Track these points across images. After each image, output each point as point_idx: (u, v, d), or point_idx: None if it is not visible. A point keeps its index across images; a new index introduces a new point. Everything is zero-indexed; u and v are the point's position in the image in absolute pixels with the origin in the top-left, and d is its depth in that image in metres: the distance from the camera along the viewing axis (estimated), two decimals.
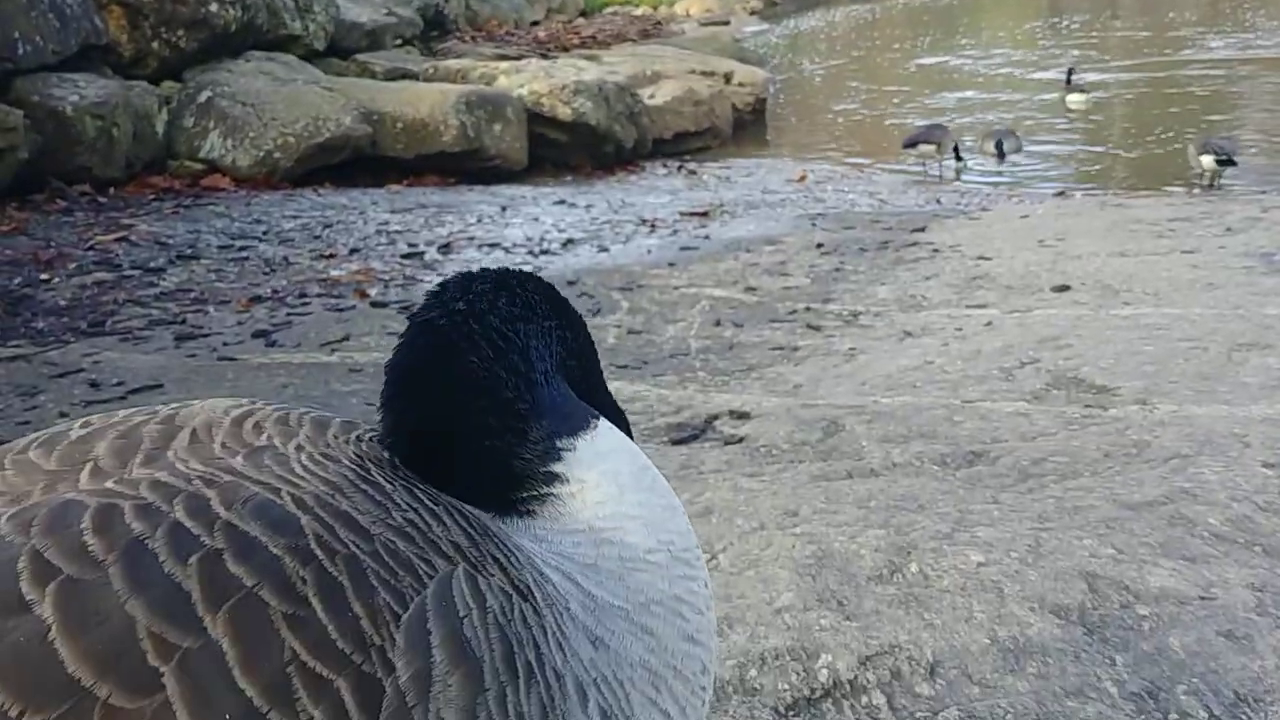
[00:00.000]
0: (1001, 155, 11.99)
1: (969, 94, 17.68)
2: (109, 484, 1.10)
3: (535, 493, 1.31)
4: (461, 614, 1.09)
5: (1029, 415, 3.96)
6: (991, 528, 2.90)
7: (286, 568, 1.02)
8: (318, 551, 1.05)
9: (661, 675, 1.27)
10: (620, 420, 1.54)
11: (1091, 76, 16.92)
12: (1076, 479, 3.29)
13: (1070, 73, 15.83)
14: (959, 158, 11.85)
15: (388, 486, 1.17)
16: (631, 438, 1.55)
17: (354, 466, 1.21)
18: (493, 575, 1.15)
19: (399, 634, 1.04)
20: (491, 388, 1.34)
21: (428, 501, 1.18)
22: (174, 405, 1.31)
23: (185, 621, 0.96)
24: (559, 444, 1.33)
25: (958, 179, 11.72)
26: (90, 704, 0.92)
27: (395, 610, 1.05)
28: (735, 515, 3.09)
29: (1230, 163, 10.08)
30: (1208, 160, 10.11)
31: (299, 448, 1.23)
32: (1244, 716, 2.20)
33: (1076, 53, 20.43)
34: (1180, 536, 2.85)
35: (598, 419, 1.40)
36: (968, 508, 3.06)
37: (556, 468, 1.32)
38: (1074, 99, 15.20)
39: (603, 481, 1.33)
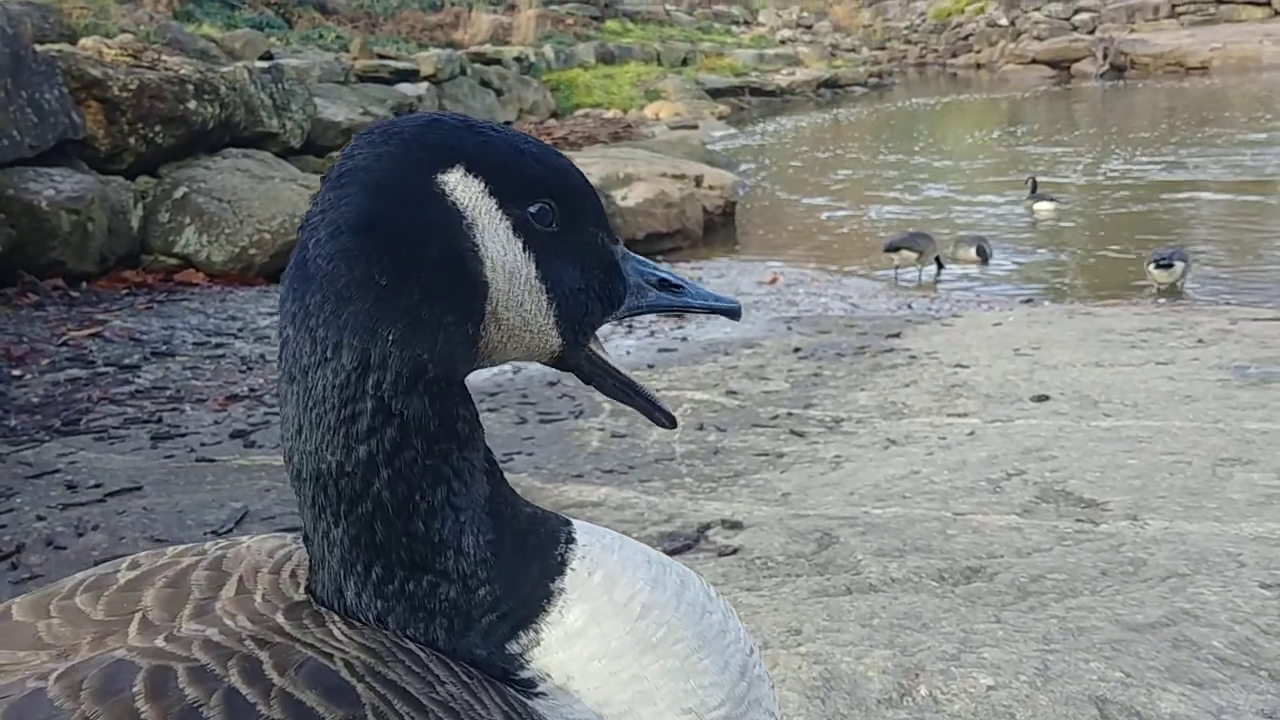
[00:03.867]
0: (985, 259, 12.25)
1: (933, 201, 18.05)
2: (159, 641, 1.07)
3: (517, 680, 1.16)
4: None
5: (1021, 529, 3.96)
6: (997, 649, 2.87)
7: None
8: None
9: None
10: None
11: (1051, 186, 17.32)
12: (1077, 598, 3.28)
13: (1034, 183, 16.22)
14: (940, 266, 12.09)
15: (422, 655, 1.14)
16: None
17: (386, 632, 1.18)
18: None
19: None
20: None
21: (463, 676, 1.14)
22: (222, 544, 1.28)
23: None
24: (508, 647, 1.16)
25: (935, 289, 11.91)
26: None
27: None
28: None
29: (1167, 265, 10.53)
30: (1152, 269, 10.61)
31: None
32: None
33: (1038, 162, 20.95)
34: (1186, 660, 2.84)
35: (562, 558, 1.18)
36: (971, 627, 3.04)
37: (522, 674, 1.16)
38: (1042, 207, 15.58)
39: (590, 664, 1.15)
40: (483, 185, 1.14)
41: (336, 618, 1.16)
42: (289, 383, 1.14)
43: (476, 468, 1.17)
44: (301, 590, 1.20)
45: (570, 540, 1.20)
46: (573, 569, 1.18)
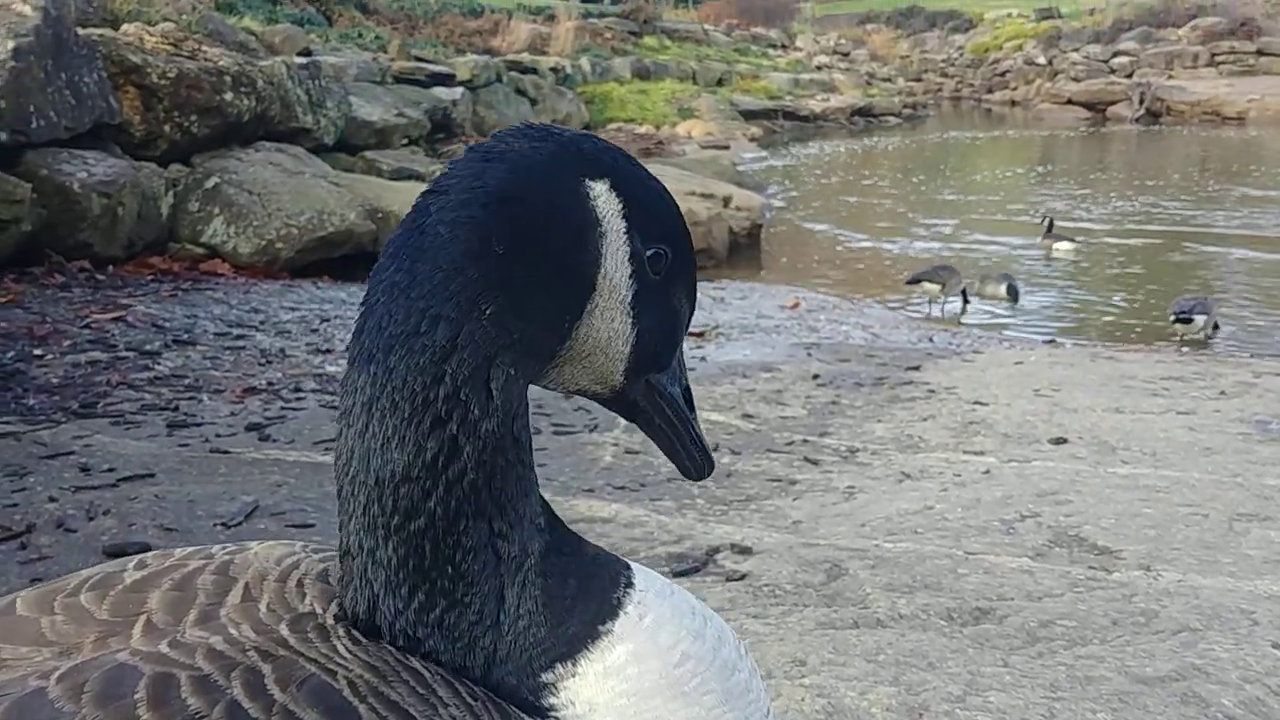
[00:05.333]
0: (1015, 297, 12.24)
1: (958, 235, 18.00)
2: (163, 646, 1.06)
3: (533, 705, 1.16)
4: None
5: (1033, 573, 3.92)
6: (1004, 693, 2.85)
7: None
8: None
9: None
10: None
11: (1079, 229, 17.25)
12: (1086, 646, 3.25)
13: (1050, 222, 16.15)
14: (965, 301, 12.06)
15: (426, 675, 1.12)
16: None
17: (391, 648, 1.17)
18: None
19: None
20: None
21: (467, 698, 1.12)
22: (230, 549, 1.27)
23: None
24: (542, 676, 1.14)
25: (958, 323, 11.87)
26: None
27: None
28: None
29: (1187, 320, 10.46)
30: (1173, 320, 10.56)
31: (337, 618, 1.18)
32: None
33: (1060, 203, 20.88)
34: (1195, 716, 2.81)
35: (618, 601, 1.18)
36: (978, 669, 3.01)
37: (544, 700, 1.15)
38: (1061, 246, 15.51)
39: (619, 699, 1.15)
40: (620, 206, 1.17)
41: (341, 632, 1.15)
42: (365, 364, 1.11)
43: (524, 515, 1.16)
44: (307, 601, 1.19)
45: (629, 585, 1.21)
46: (626, 612, 1.18)
